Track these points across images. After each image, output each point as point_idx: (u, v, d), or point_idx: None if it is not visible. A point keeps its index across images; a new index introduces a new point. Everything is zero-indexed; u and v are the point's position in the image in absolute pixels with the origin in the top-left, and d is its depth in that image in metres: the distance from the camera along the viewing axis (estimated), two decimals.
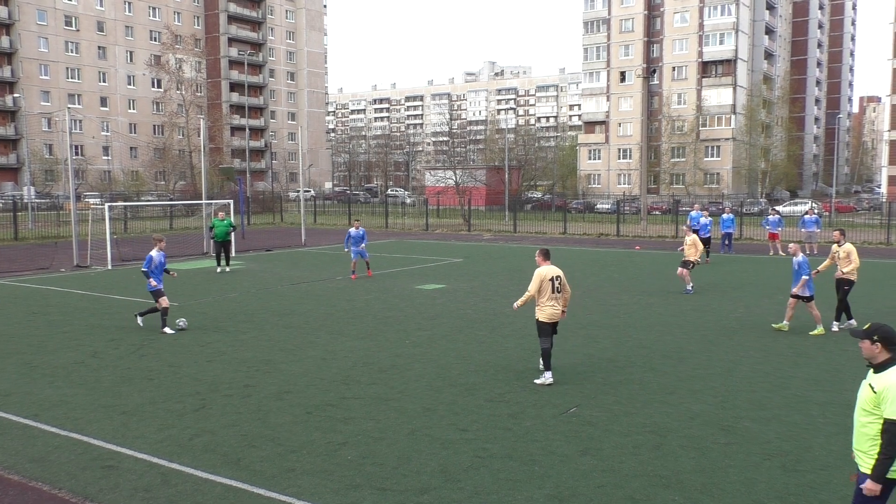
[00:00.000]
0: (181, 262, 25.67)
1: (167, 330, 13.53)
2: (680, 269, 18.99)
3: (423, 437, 8.08)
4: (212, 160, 68.61)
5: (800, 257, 13.57)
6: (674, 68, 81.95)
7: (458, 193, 53.13)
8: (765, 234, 30.12)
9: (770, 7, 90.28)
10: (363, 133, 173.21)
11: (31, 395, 9.78)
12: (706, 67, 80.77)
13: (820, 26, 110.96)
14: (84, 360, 11.62)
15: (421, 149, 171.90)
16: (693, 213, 28.95)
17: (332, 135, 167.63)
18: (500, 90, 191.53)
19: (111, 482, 6.92)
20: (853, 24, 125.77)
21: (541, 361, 10.32)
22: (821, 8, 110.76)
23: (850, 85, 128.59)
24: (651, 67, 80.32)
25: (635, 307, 16.57)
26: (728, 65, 79.65)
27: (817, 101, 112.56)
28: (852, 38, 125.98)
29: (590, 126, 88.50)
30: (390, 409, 9.07)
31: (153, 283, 13.62)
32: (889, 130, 62.03)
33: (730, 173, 79.21)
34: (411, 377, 10.57)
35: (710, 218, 27.51)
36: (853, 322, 13.79)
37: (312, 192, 78.94)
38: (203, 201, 32.14)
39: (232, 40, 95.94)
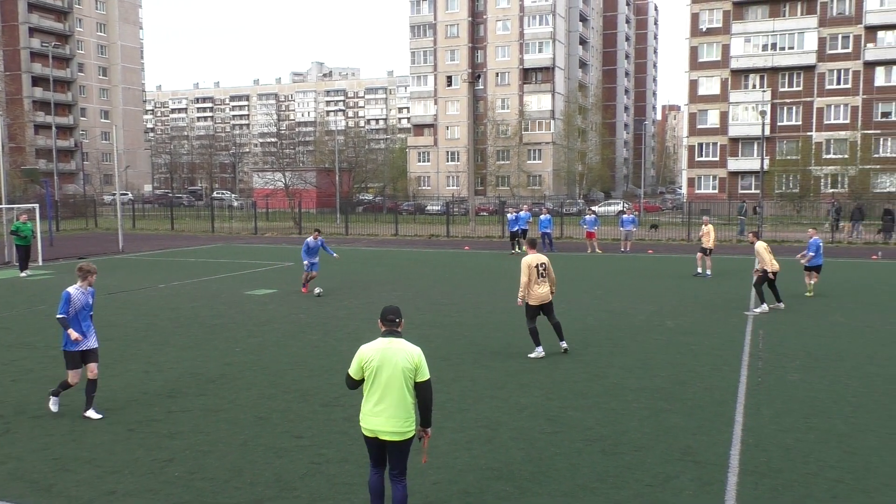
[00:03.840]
0: None
1: (90, 414, 8.90)
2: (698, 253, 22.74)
3: (256, 448, 7.86)
4: (13, 161, 62.70)
5: (813, 239, 17.77)
6: (497, 74, 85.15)
7: (288, 196, 52.11)
8: (583, 232, 32.01)
9: (583, 19, 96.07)
10: (185, 133, 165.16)
11: None
12: (527, 74, 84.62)
13: (627, 39, 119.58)
14: None
15: (248, 150, 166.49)
16: (522, 214, 30.41)
17: (152, 135, 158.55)
18: (328, 91, 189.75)
19: None
20: (655, 38, 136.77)
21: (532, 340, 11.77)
22: (627, 22, 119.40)
23: (654, 94, 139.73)
24: (476, 73, 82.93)
25: (466, 306, 17.04)
26: (547, 72, 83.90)
27: (626, 108, 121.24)
28: (654, 52, 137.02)
29: (419, 129, 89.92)
30: (220, 421, 8.74)
31: (72, 335, 8.84)
32: (687, 136, 68.04)
33: (551, 175, 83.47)
34: (242, 386, 10.24)
35: (548, 215, 31.13)
36: (766, 306, 15.88)
37: (130, 195, 74.37)
38: (3, 206, 29.34)
39: (33, 30, 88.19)
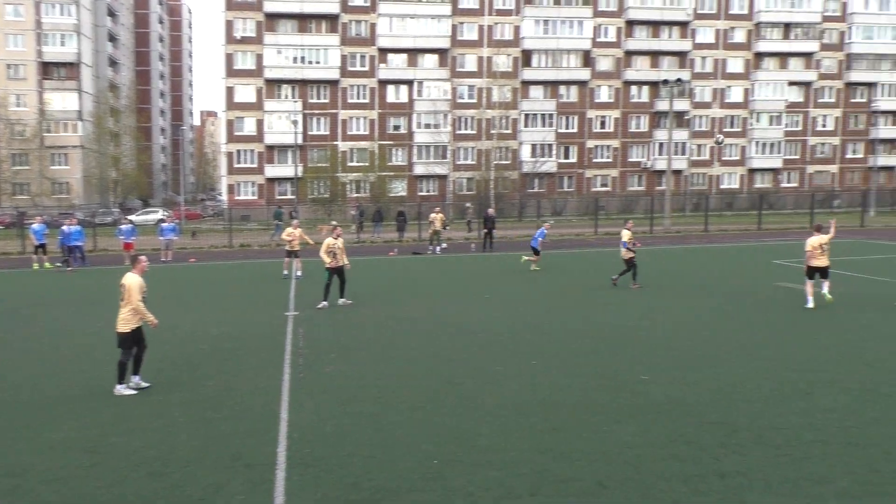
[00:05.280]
0: None
1: None
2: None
3: None
4: None
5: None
6: (9, 66, 74.83)
7: None
8: (120, 244, 30.09)
9: (112, 14, 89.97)
10: None
11: None
12: (48, 69, 76.07)
13: (161, 40, 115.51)
14: None
15: None
16: (35, 227, 27.65)
17: None
18: None
19: None
20: (190, 41, 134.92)
21: None
22: (161, 22, 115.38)
23: (191, 99, 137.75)
24: None
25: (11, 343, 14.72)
26: (72, 68, 76.52)
27: (163, 112, 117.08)
28: (190, 55, 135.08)
29: None
30: None
31: None
32: (226, 143, 68.70)
33: (80, 182, 76.47)
34: None
35: (77, 226, 28.46)
36: (326, 303, 17.19)
37: None
38: None
39: None
